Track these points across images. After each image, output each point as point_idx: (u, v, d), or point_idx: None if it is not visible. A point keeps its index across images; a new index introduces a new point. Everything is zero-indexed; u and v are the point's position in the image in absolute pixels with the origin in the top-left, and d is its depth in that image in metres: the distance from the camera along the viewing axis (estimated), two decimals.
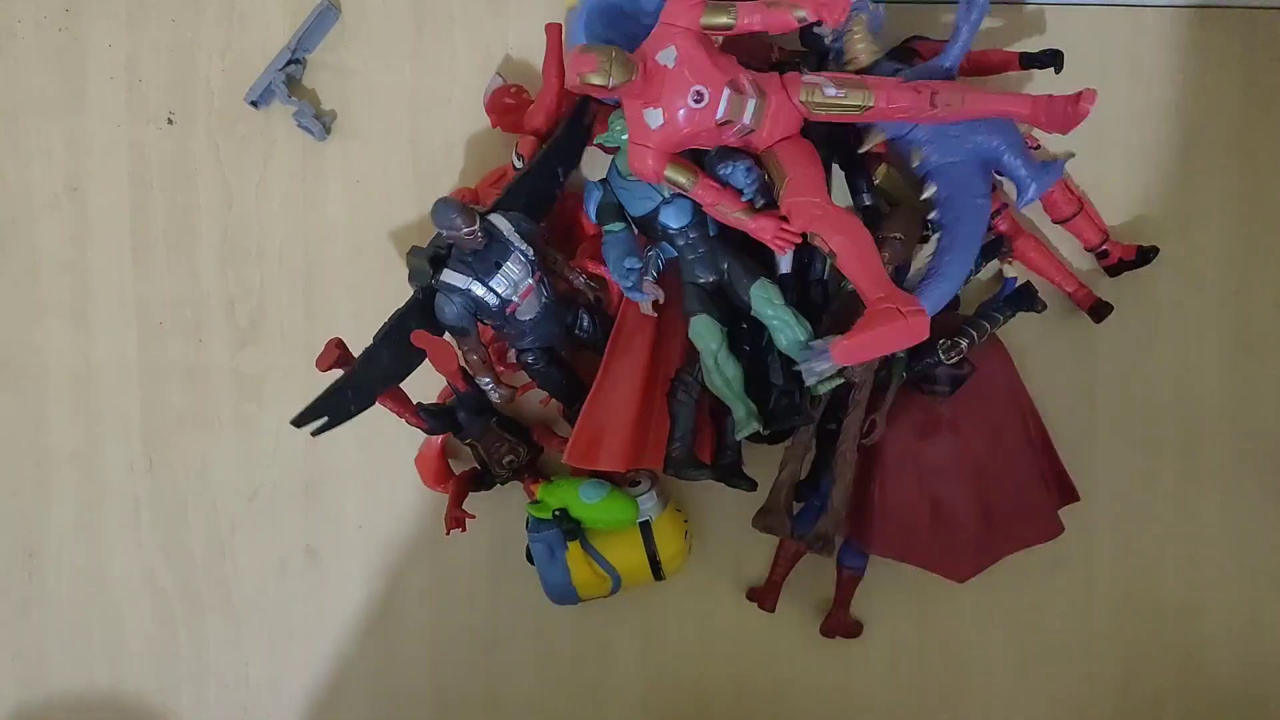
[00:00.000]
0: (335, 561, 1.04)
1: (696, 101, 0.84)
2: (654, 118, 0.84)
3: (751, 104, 0.85)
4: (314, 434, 0.89)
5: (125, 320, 1.04)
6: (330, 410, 0.89)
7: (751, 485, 0.96)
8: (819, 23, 0.89)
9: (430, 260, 0.90)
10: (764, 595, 1.01)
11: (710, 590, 1.04)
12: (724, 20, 0.84)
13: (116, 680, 1.05)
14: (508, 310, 0.89)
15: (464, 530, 0.98)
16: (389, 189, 1.02)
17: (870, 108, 0.86)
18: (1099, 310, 0.99)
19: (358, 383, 0.90)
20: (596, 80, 0.81)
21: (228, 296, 1.03)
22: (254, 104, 1.01)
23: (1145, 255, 0.99)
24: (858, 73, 0.89)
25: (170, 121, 1.02)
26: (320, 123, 1.00)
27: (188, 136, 1.03)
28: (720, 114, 0.84)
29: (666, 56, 0.84)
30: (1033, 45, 0.94)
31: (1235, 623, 1.04)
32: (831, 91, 0.86)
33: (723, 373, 0.91)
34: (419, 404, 0.96)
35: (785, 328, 0.89)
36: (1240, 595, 1.04)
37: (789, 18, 0.84)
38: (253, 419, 1.03)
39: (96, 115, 1.03)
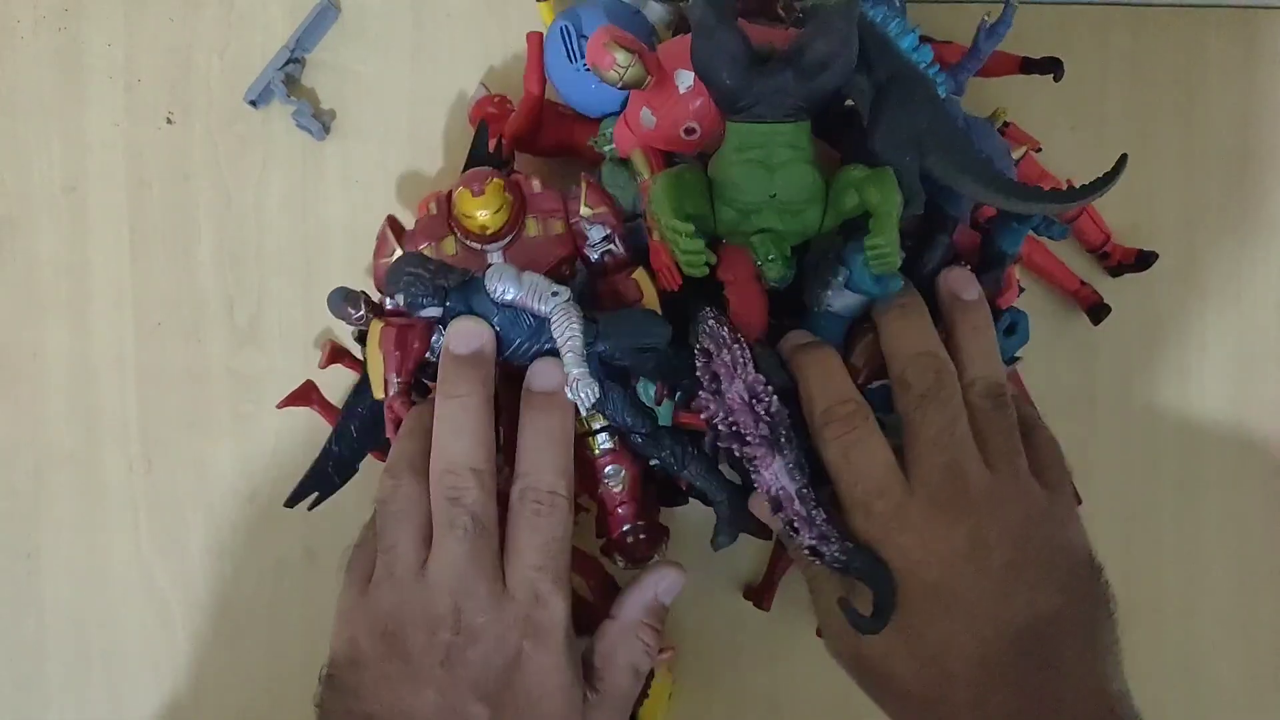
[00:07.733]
0: (334, 562, 1.04)
1: (688, 134, 0.82)
2: (649, 120, 0.83)
3: None
4: (310, 508, 0.94)
5: (123, 320, 1.03)
6: (319, 486, 0.94)
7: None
8: None
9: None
10: (760, 594, 1.01)
11: (708, 590, 1.04)
12: None
13: (114, 680, 1.05)
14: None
15: None
16: (388, 188, 1.02)
17: None
18: (1097, 312, 0.99)
19: (336, 458, 0.94)
20: (608, 79, 0.79)
21: (226, 296, 1.03)
22: (253, 103, 1.00)
23: (1145, 260, 0.99)
24: None
25: (169, 121, 1.02)
26: (319, 122, 1.00)
27: (186, 136, 1.02)
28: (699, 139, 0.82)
29: (682, 79, 0.82)
30: (1032, 44, 0.94)
31: (1235, 623, 1.04)
32: None
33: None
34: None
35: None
36: (1240, 596, 1.04)
37: None
38: (252, 419, 1.03)
39: (95, 115, 1.02)
